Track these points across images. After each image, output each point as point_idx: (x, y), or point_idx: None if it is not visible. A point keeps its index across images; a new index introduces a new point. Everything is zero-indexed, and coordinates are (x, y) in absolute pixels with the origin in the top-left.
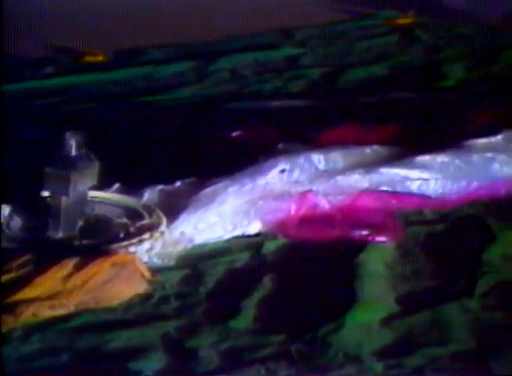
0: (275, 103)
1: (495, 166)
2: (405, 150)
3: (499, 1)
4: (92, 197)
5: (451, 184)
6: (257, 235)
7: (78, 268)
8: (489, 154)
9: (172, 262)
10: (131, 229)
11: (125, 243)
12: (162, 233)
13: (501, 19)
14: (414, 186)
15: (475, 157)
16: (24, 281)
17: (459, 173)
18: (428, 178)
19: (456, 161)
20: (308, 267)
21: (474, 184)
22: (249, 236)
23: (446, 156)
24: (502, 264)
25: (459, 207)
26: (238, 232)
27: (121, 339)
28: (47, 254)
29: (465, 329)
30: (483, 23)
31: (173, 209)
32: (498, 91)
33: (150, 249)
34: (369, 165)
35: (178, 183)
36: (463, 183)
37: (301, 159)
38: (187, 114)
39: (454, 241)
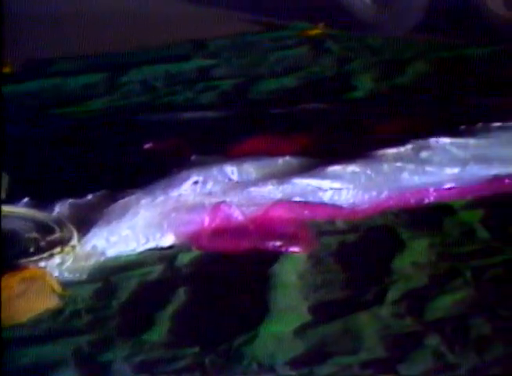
0: (188, 115)
1: (405, 175)
2: (317, 160)
3: (405, 14)
4: (1, 211)
5: (362, 194)
6: (170, 247)
7: None
8: (399, 164)
9: (84, 276)
10: (42, 244)
11: (35, 257)
12: (73, 247)
13: (408, 31)
14: (326, 197)
15: (385, 167)
16: None
17: (369, 183)
18: (340, 188)
19: (367, 171)
20: (221, 279)
21: (385, 194)
22: (162, 249)
23: (357, 166)
24: (412, 272)
25: (370, 217)
26: (151, 244)
27: (31, 355)
28: None
29: (376, 337)
30: (391, 35)
31: (84, 222)
32: (406, 101)
33: (61, 263)
34: (282, 176)
35: (89, 196)
36: (374, 193)
37: (214, 170)
38: (98, 126)
39: (365, 251)
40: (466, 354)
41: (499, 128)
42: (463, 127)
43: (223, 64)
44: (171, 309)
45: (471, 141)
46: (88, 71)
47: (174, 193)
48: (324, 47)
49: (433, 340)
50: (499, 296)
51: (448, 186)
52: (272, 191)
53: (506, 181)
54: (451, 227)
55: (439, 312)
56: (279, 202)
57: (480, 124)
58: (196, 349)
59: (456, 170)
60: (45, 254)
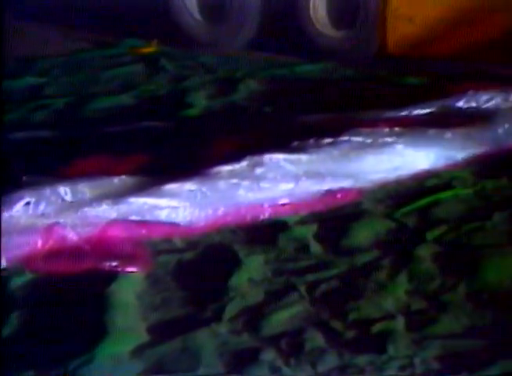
0: (20, 134)
1: (241, 192)
2: (153, 178)
3: (237, 31)
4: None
5: (198, 211)
6: (2, 270)
7: None
8: (234, 181)
9: None
10: None
11: None
12: None
13: (240, 48)
14: (163, 215)
15: (221, 184)
16: None
17: (205, 200)
18: (176, 206)
19: (203, 189)
20: (57, 301)
21: (221, 210)
22: None
23: (193, 184)
24: (248, 288)
25: (207, 234)
26: None
27: None
28: None
29: (214, 354)
30: (224, 52)
31: None
32: (239, 119)
33: None
34: (117, 195)
35: None
36: (210, 210)
37: (47, 191)
38: None
39: (203, 268)
40: (301, 367)
41: (330, 143)
42: (295, 143)
43: (55, 82)
44: (4, 333)
45: (304, 157)
46: None
47: (5, 214)
48: (158, 65)
49: (269, 355)
50: (333, 309)
51: (282, 201)
52: (107, 211)
53: (339, 195)
54: (286, 243)
55: (275, 328)
56: (114, 222)
57: (311, 140)
58: (31, 373)
59: (289, 186)
60: None
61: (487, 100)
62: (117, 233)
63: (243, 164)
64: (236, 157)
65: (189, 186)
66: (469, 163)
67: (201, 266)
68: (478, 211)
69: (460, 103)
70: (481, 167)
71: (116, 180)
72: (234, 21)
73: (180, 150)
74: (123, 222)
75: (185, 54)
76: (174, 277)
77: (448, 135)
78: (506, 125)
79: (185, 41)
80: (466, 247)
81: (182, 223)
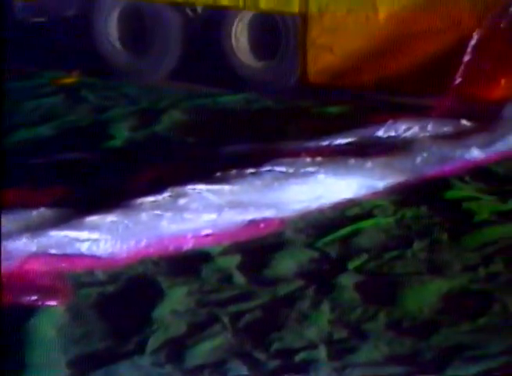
0: None
1: (163, 223)
2: (74, 211)
3: (159, 61)
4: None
5: (120, 243)
6: None
7: None
8: (157, 212)
9: None
10: None
11: None
12: None
13: (163, 78)
14: (84, 247)
15: (143, 216)
16: None
17: (128, 232)
18: (98, 238)
19: (125, 221)
20: None
21: (144, 242)
22: None
23: (115, 216)
24: (171, 320)
25: (129, 266)
26: None
27: None
28: None
29: None
30: (147, 83)
31: None
32: (162, 150)
33: None
34: (37, 228)
35: None
36: (133, 242)
37: None
38: None
39: (125, 301)
40: None
41: (252, 174)
42: (218, 174)
43: None
44: None
45: (226, 187)
46: None
47: None
48: (80, 95)
49: None
50: (256, 339)
51: (205, 232)
52: (27, 244)
53: (261, 225)
54: (209, 274)
55: (198, 359)
56: (34, 255)
57: (234, 171)
58: None
59: (212, 216)
60: None
61: (405, 130)
62: (37, 266)
63: (166, 195)
64: (158, 189)
65: (110, 218)
66: (389, 192)
67: (123, 298)
68: (399, 239)
69: (380, 133)
70: (401, 196)
71: (36, 213)
72: (156, 51)
73: (102, 182)
74: (43, 255)
75: (106, 84)
76: (96, 310)
77: (369, 164)
78: (425, 154)
79: (107, 72)
80: (387, 275)
81: (103, 255)
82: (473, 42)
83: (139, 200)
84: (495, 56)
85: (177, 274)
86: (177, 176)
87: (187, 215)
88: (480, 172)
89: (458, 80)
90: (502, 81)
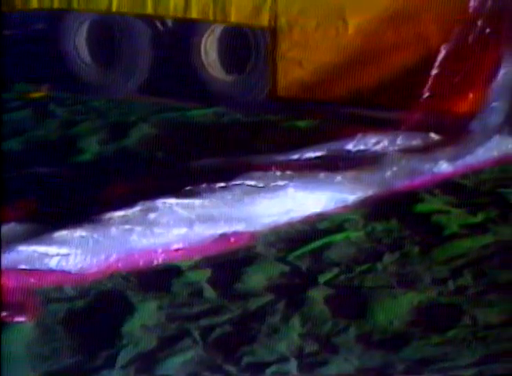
0: None
1: (133, 238)
2: (43, 226)
3: (128, 75)
4: None
5: (90, 258)
6: None
7: None
8: (127, 226)
9: None
10: None
11: None
12: None
13: (132, 92)
14: (53, 263)
15: (113, 230)
16: None
17: (97, 247)
18: (67, 253)
19: (94, 235)
20: None
21: (113, 257)
22: None
23: (84, 230)
24: (141, 335)
25: (99, 281)
26: None
27: None
28: None
29: None
30: (116, 97)
31: None
32: (132, 164)
33: None
34: (6, 244)
35: None
36: (102, 256)
37: None
38: None
39: (95, 316)
40: None
41: (223, 188)
42: (188, 188)
43: None
44: None
45: (197, 201)
46: None
47: None
48: (48, 110)
49: None
50: (227, 353)
51: (176, 246)
52: None
53: (232, 239)
54: (179, 288)
55: (169, 373)
56: (3, 271)
57: (204, 185)
58: None
59: (183, 230)
60: None
61: (375, 143)
62: (5, 282)
63: (136, 209)
64: (128, 203)
65: (80, 232)
66: (359, 205)
67: (93, 314)
68: (369, 253)
69: (349, 147)
70: (371, 209)
71: (5, 228)
72: (125, 65)
73: (71, 196)
74: (12, 271)
75: (75, 99)
76: (65, 326)
77: (339, 178)
78: (394, 168)
79: (76, 86)
80: (357, 289)
81: (72, 271)
82: (441, 56)
83: (109, 215)
84: (462, 69)
85: (147, 289)
86: (147, 190)
87: (157, 230)
88: (449, 185)
89: (426, 94)
90: (470, 95)
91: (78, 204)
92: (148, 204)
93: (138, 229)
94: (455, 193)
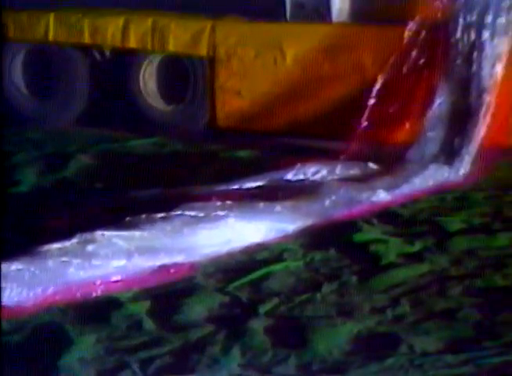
0: None
1: (71, 270)
2: None
3: (65, 105)
4: None
5: (27, 291)
6: None
7: None
8: (64, 259)
9: None
10: None
11: None
12: None
13: (70, 123)
14: None
15: (50, 263)
16: None
17: (34, 280)
18: (3, 287)
19: (31, 268)
20: None
21: (51, 289)
22: None
23: (21, 263)
24: (79, 368)
25: (35, 315)
26: None
27: None
28: None
29: None
30: (54, 128)
31: None
32: (71, 195)
33: None
34: None
35: None
36: (39, 289)
37: None
38: None
39: (32, 349)
40: None
41: (162, 218)
42: (127, 219)
43: None
44: None
45: (136, 233)
46: None
47: None
48: None
49: None
50: None
51: (115, 278)
52: None
53: (172, 270)
54: (118, 320)
55: None
56: None
57: (144, 216)
58: None
59: (122, 262)
60: None
61: (314, 173)
62: None
63: (74, 241)
64: (66, 235)
65: (15, 265)
66: (298, 235)
67: (30, 348)
68: (308, 282)
69: (289, 176)
70: (310, 239)
71: None
72: (63, 95)
73: (7, 229)
74: None
75: (11, 130)
76: (1, 360)
77: (278, 207)
78: (333, 197)
79: (13, 117)
80: (297, 319)
81: (8, 304)
82: (377, 87)
83: (46, 247)
84: (398, 99)
85: (85, 322)
86: (85, 222)
87: (96, 262)
88: (386, 215)
89: (364, 123)
90: (407, 125)
91: (15, 237)
92: (86, 235)
93: (76, 261)
94: (392, 222)
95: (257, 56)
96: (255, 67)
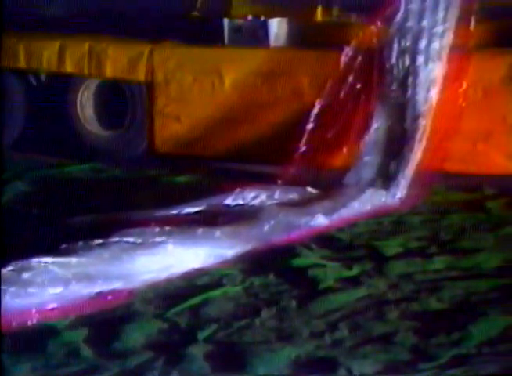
0: None
1: (7, 298)
2: None
3: None
4: None
5: None
6: None
7: None
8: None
9: None
10: None
11: None
12: None
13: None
14: None
15: None
16: None
17: None
18: None
19: None
20: None
21: None
22: None
23: None
24: None
25: None
26: None
27: None
28: None
29: None
30: None
31: None
32: (6, 220)
33: None
34: None
35: None
36: None
37: None
38: None
39: None
40: None
41: (100, 245)
42: (64, 246)
43: None
44: None
45: (73, 260)
46: None
47: None
48: None
49: None
50: None
51: (51, 306)
52: None
53: (110, 297)
54: (55, 348)
55: None
56: None
57: (81, 243)
58: None
59: (58, 289)
60: None
61: (253, 198)
62: None
63: (9, 269)
64: (1, 262)
65: None
66: (237, 260)
67: None
68: (247, 308)
69: (228, 201)
70: (249, 264)
71: None
72: None
73: None
74: None
75: None
76: None
77: (217, 233)
78: (272, 222)
79: None
80: (236, 344)
81: None
82: (315, 111)
83: None
84: (336, 124)
85: (21, 350)
86: (21, 249)
87: (31, 289)
88: (325, 239)
89: (302, 148)
90: (344, 149)
91: None
92: (22, 263)
93: (12, 289)
94: (331, 246)
95: (196, 80)
96: (193, 92)
